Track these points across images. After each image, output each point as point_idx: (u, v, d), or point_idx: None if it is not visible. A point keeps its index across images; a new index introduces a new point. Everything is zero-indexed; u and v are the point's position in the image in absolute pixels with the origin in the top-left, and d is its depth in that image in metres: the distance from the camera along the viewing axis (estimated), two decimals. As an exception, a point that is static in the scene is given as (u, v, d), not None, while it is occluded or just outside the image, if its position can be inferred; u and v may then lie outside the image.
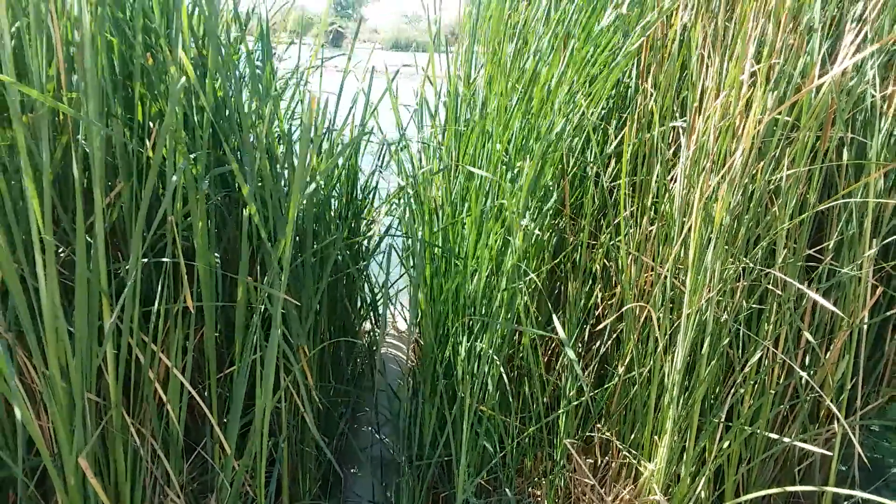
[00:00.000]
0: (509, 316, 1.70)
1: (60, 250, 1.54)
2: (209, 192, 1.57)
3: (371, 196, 1.83)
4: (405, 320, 2.18)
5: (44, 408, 1.47)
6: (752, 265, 1.56)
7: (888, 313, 1.77)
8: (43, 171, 1.33)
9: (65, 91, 1.43)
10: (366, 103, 1.68)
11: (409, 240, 1.83)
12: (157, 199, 1.61)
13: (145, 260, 1.52)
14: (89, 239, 1.50)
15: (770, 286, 1.59)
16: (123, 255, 1.57)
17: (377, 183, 1.83)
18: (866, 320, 1.60)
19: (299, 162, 1.44)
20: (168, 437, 1.52)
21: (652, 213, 1.79)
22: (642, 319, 1.75)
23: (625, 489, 1.69)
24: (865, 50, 1.58)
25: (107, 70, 1.53)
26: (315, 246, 1.64)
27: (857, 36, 1.60)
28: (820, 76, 1.64)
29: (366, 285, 1.87)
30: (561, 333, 1.62)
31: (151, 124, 1.59)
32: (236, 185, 1.65)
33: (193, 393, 1.47)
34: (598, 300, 1.82)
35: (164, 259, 1.54)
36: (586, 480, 1.72)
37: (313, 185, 1.63)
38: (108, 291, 1.49)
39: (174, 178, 1.49)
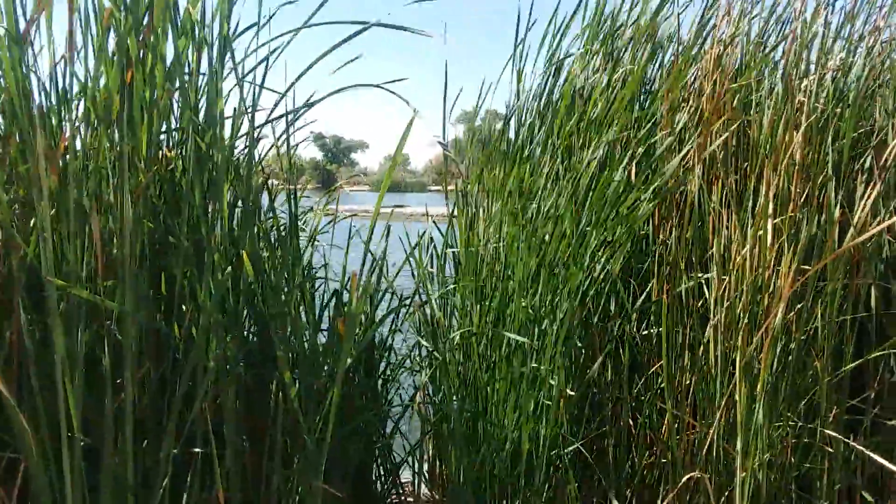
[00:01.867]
0: (548, 489, 1.66)
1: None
2: (239, 373, 1.57)
3: (387, 354, 1.83)
4: (426, 485, 2.10)
5: None
6: (797, 422, 1.56)
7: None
8: (76, 367, 1.33)
9: (101, 281, 1.45)
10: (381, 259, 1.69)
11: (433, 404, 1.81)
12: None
13: (175, 451, 1.49)
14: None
15: (818, 443, 1.58)
16: (149, 444, 1.54)
17: (391, 343, 1.84)
18: (921, 474, 1.58)
19: (345, 343, 1.46)
20: None
21: (688, 366, 1.80)
22: (691, 485, 1.72)
23: None
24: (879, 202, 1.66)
25: (137, 255, 1.56)
26: (343, 419, 1.62)
27: (869, 189, 1.69)
28: (839, 223, 1.70)
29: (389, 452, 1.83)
30: None
31: (184, 306, 1.60)
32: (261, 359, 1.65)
33: None
34: (637, 461, 1.79)
35: (197, 449, 1.51)
36: None
37: (349, 360, 1.64)
38: (134, 487, 1.45)
39: (210, 364, 1.50)
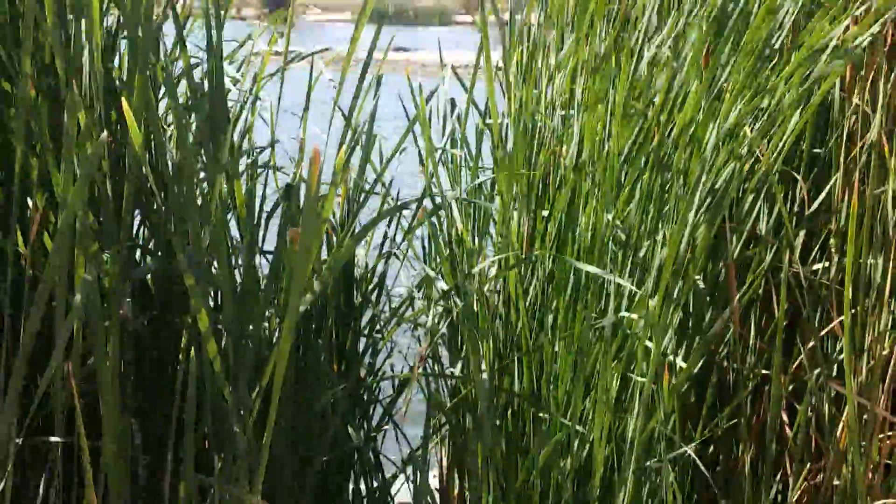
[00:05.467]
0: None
1: None
2: (126, 311, 0.98)
3: (374, 296, 1.18)
4: None
5: None
6: None
7: None
8: None
9: None
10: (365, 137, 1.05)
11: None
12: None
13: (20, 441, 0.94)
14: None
15: None
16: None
17: (384, 273, 1.18)
18: None
19: (298, 270, 0.84)
20: None
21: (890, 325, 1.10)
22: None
23: None
24: None
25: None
26: (298, 404, 1.02)
27: None
28: None
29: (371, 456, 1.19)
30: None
31: (32, 201, 1.01)
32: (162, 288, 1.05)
33: None
34: (794, 484, 1.11)
35: (53, 438, 0.95)
36: None
37: (308, 297, 1.01)
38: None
39: (77, 298, 0.93)
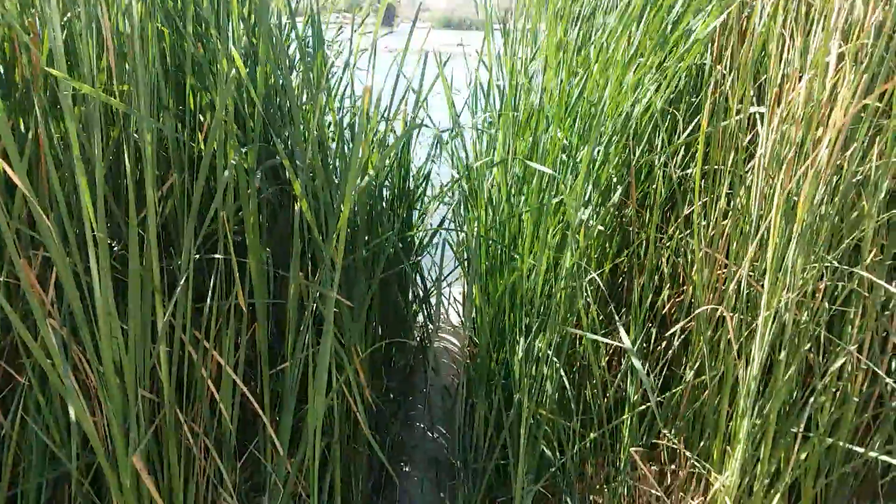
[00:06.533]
0: (569, 316, 1.69)
1: (113, 245, 1.59)
2: (260, 186, 1.60)
3: (423, 186, 1.85)
4: (458, 314, 2.20)
5: (98, 405, 1.53)
6: (835, 265, 1.52)
7: None
8: (95, 166, 1.37)
9: (116, 83, 1.47)
10: (418, 89, 1.68)
11: (463, 234, 1.84)
12: (209, 192, 1.65)
13: (197, 256, 1.56)
14: (142, 233, 1.55)
15: (856, 287, 1.54)
16: (175, 250, 1.62)
17: (429, 172, 1.84)
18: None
19: (353, 156, 1.46)
20: (221, 435, 1.57)
21: (726, 206, 1.75)
22: (714, 321, 1.72)
23: (693, 501, 1.67)
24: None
25: (157, 60, 1.56)
26: (368, 240, 1.66)
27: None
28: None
29: (418, 278, 1.90)
30: (625, 341, 1.60)
31: (202, 117, 1.63)
32: (288, 178, 1.68)
33: (246, 391, 1.51)
34: (666, 299, 1.79)
35: (217, 255, 1.58)
36: (652, 490, 1.71)
37: (366, 180, 1.65)
38: (160, 288, 1.54)
39: (226, 173, 1.53)
